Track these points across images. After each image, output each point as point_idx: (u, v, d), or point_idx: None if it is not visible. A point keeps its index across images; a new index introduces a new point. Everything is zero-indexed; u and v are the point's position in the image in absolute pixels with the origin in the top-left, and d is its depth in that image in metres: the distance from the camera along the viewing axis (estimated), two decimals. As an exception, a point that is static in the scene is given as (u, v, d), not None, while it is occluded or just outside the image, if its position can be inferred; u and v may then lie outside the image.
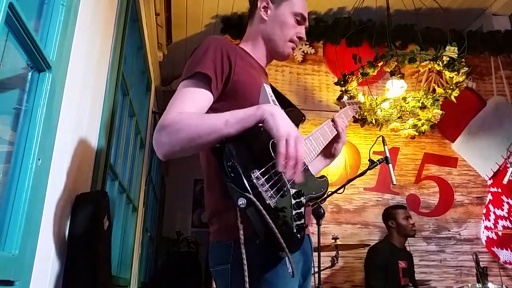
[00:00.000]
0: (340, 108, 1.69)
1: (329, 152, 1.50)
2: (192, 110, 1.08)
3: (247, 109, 1.06)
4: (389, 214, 3.37)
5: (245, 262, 0.98)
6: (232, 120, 1.03)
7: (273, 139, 1.02)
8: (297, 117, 1.09)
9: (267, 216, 0.95)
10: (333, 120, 1.49)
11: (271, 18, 1.37)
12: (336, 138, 1.49)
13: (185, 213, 6.67)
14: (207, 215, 1.23)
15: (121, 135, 2.65)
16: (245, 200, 0.95)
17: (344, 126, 1.51)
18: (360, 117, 1.80)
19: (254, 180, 0.99)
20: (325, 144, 1.42)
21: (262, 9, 1.39)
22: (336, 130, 1.47)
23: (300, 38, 1.40)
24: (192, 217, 6.66)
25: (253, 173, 1.00)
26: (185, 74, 1.15)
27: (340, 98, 1.75)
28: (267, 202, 0.99)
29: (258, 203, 0.95)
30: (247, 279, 0.98)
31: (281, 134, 1.00)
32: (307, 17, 1.42)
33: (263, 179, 1.01)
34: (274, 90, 1.34)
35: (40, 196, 1.20)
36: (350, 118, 1.68)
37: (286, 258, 0.98)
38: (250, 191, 0.97)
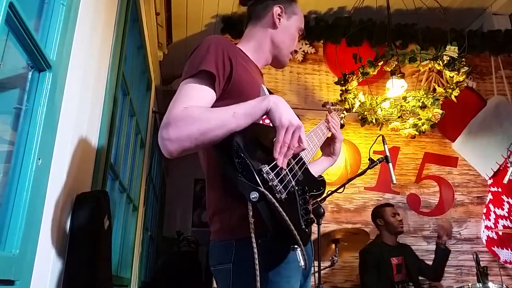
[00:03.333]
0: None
1: (329, 152, 1.56)
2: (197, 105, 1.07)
3: (252, 101, 1.08)
4: (377, 212, 3.37)
5: (256, 256, 0.97)
6: (239, 112, 1.04)
7: (275, 128, 1.03)
8: None
9: (280, 209, 0.95)
10: (326, 121, 1.56)
11: (283, 27, 1.42)
12: (333, 138, 1.55)
13: (185, 213, 6.67)
14: (209, 214, 1.23)
15: (122, 134, 2.65)
16: (258, 194, 0.95)
17: (337, 123, 1.59)
18: (344, 123, 1.85)
19: (265, 175, 0.99)
20: (319, 145, 1.47)
21: (278, 16, 1.42)
22: (329, 130, 1.55)
23: (296, 51, 1.51)
24: (193, 217, 6.66)
25: (264, 167, 1.00)
26: (188, 73, 1.14)
27: (325, 104, 1.78)
28: (278, 196, 0.99)
29: (270, 196, 0.95)
30: (258, 273, 0.97)
31: (282, 123, 1.02)
32: None
33: (272, 174, 1.01)
34: (269, 91, 1.36)
35: (41, 196, 1.20)
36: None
37: (298, 251, 0.99)
38: (262, 185, 0.97)
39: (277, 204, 0.95)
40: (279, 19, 1.41)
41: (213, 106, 1.12)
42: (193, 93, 1.10)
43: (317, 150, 1.45)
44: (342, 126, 1.80)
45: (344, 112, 1.83)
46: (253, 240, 0.98)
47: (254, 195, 0.95)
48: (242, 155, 0.99)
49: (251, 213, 0.98)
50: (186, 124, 1.02)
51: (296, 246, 0.99)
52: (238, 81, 1.18)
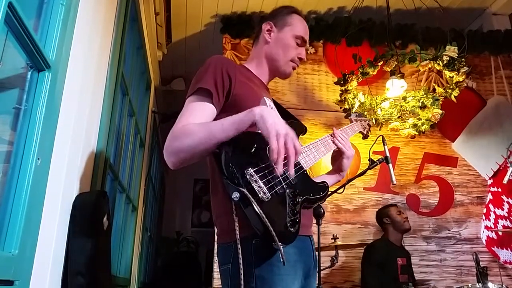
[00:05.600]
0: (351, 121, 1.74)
1: (336, 168, 1.55)
2: (198, 121, 1.18)
3: (240, 113, 1.16)
4: (382, 213, 3.38)
5: (239, 251, 1.06)
6: (227, 125, 1.14)
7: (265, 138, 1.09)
8: (298, 129, 1.17)
9: (258, 207, 1.03)
10: (332, 135, 1.53)
11: (274, 40, 1.50)
12: (340, 153, 1.52)
13: (184, 213, 6.67)
14: (213, 217, 1.32)
15: (121, 134, 2.65)
16: (239, 194, 1.04)
17: (345, 139, 1.54)
18: (369, 134, 1.82)
19: (248, 177, 1.08)
20: (325, 154, 1.47)
21: (266, 32, 1.51)
22: (335, 144, 1.51)
23: (300, 58, 1.51)
24: (192, 217, 6.66)
25: (247, 170, 1.09)
26: (190, 91, 1.26)
27: (348, 115, 1.79)
28: (260, 196, 1.06)
29: (250, 196, 1.04)
30: (241, 271, 1.06)
31: (270, 132, 1.07)
32: (307, 39, 1.54)
33: (256, 176, 1.09)
34: (276, 104, 1.45)
35: (40, 196, 1.20)
36: (356, 133, 1.74)
37: (279, 248, 1.04)
38: (244, 186, 1.06)
39: (255, 203, 1.03)
40: (269, 34, 1.50)
41: (216, 119, 1.22)
42: (193, 110, 1.22)
43: (320, 159, 1.44)
44: (366, 136, 1.79)
45: (370, 123, 1.82)
46: (237, 236, 1.07)
47: (235, 195, 1.04)
48: (230, 160, 1.10)
49: (234, 212, 1.08)
50: (181, 138, 1.15)
51: (276, 244, 1.04)
52: (237, 96, 1.27)
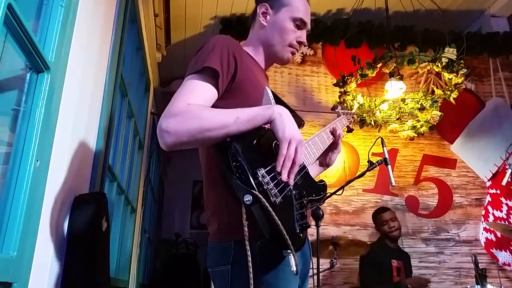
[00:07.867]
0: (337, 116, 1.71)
1: (324, 161, 1.52)
2: (199, 103, 1.07)
3: (256, 108, 1.08)
4: (374, 220, 3.41)
5: (249, 259, 0.98)
6: (242, 118, 1.03)
7: (277, 140, 1.03)
8: (296, 122, 1.10)
9: (273, 213, 0.95)
10: (333, 129, 1.51)
11: (270, 24, 1.37)
12: (332, 148, 1.51)
13: (183, 215, 6.66)
14: (207, 214, 1.22)
15: (120, 136, 2.64)
16: (251, 197, 0.95)
17: (341, 136, 1.53)
18: (353, 127, 1.82)
19: (260, 178, 0.99)
20: (323, 150, 1.44)
21: (261, 15, 1.39)
22: (334, 138, 1.50)
23: (300, 42, 1.39)
24: (191, 219, 6.65)
25: (259, 171, 1.00)
26: (192, 69, 1.14)
27: (334, 108, 1.76)
28: (272, 199, 0.99)
29: (264, 200, 0.96)
30: (251, 276, 0.98)
31: (286, 136, 1.02)
32: (308, 21, 1.40)
33: (268, 178, 1.01)
34: (273, 94, 1.33)
35: (39, 197, 1.20)
36: (344, 128, 1.70)
37: (291, 256, 0.98)
38: (256, 188, 0.97)
39: (270, 208, 0.95)
40: (265, 17, 1.38)
41: (215, 105, 1.11)
42: (195, 89, 1.09)
43: (319, 155, 1.42)
44: (350, 130, 1.75)
45: (354, 116, 1.79)
46: (246, 242, 0.98)
47: (247, 198, 0.95)
48: (239, 157, 1.00)
49: (245, 216, 0.98)
50: (186, 119, 1.02)
51: (288, 251, 0.98)
52: (242, 81, 1.17)
